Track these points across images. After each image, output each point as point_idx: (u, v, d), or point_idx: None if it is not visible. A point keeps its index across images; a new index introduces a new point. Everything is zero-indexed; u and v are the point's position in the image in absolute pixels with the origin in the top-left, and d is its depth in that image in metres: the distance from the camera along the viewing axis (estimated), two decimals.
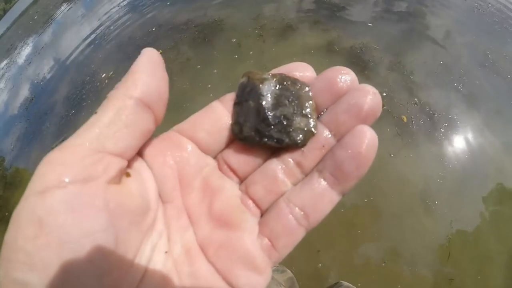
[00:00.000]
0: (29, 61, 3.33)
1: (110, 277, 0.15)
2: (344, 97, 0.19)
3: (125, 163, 0.17)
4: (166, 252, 0.18)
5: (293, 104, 0.20)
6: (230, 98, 0.21)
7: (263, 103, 0.20)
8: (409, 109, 1.67)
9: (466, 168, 1.52)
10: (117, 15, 3.02)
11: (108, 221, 0.15)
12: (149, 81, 0.18)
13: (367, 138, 0.18)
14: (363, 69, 1.81)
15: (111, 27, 2.90)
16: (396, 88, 1.73)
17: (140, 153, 0.19)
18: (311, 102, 0.20)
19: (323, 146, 0.19)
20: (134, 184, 0.18)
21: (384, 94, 1.70)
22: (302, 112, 0.19)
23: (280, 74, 0.20)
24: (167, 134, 0.21)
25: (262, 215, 0.20)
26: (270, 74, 0.21)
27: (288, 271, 1.17)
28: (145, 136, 0.18)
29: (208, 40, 2.23)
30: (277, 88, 0.20)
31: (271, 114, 0.20)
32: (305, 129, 0.19)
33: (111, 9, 3.14)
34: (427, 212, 1.44)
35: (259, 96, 0.20)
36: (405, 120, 1.64)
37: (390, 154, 1.56)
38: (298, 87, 0.20)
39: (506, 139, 1.60)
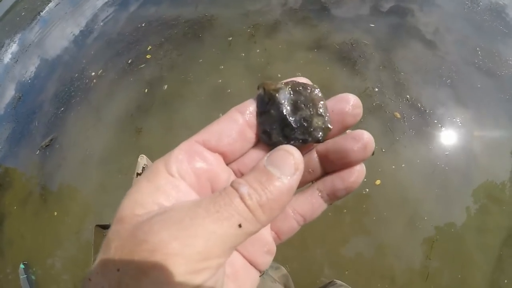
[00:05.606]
0: (16, 59, 3.25)
1: None
2: (340, 142, 0.23)
3: None
4: None
5: (308, 106, 0.23)
6: (249, 109, 0.23)
7: (284, 111, 0.22)
8: (400, 106, 1.67)
9: (455, 166, 1.53)
10: (105, 11, 2.96)
11: None
12: None
13: (360, 176, 0.23)
14: (354, 64, 1.81)
15: (100, 23, 2.85)
16: (387, 84, 1.74)
17: (180, 173, 0.20)
18: (322, 102, 0.23)
19: (312, 170, 0.25)
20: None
21: (376, 89, 1.70)
22: (317, 112, 0.23)
23: (292, 81, 0.23)
24: (192, 146, 0.22)
25: None
26: (283, 83, 0.23)
27: (283, 268, 1.18)
28: None
29: (198, 36, 2.20)
30: (291, 95, 0.23)
31: (292, 119, 0.23)
32: (323, 126, 0.23)
33: (99, 5, 3.08)
34: (414, 211, 1.45)
35: (278, 105, 0.22)
36: (398, 116, 1.64)
37: (382, 149, 1.56)
38: (309, 90, 0.23)
39: (494, 136, 1.62)
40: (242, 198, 0.18)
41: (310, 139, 0.23)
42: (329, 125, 0.23)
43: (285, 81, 0.23)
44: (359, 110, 0.23)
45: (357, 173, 0.23)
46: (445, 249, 1.38)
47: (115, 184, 1.85)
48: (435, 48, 1.92)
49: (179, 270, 0.16)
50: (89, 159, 2.07)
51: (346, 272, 1.37)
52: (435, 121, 1.65)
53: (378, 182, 1.49)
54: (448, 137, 1.61)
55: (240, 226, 0.18)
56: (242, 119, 0.22)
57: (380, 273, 1.36)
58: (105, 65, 2.41)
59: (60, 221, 2.00)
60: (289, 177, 0.19)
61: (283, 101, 0.22)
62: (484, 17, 2.12)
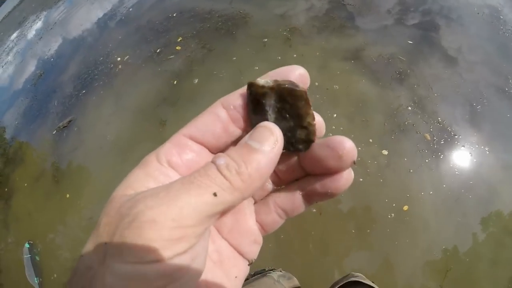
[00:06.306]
0: (40, 36, 3.24)
1: None
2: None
3: None
4: None
5: (293, 117, 0.22)
6: (233, 104, 0.23)
7: (268, 118, 0.23)
8: (431, 128, 1.65)
9: (478, 196, 1.50)
10: None
11: None
12: None
13: (345, 184, 0.23)
14: (389, 80, 1.78)
15: (130, 9, 2.82)
16: (421, 104, 1.71)
17: (170, 163, 0.22)
18: (308, 112, 0.22)
19: (293, 171, 0.25)
20: None
21: (409, 108, 1.67)
22: (301, 124, 0.22)
23: (278, 85, 0.22)
24: (181, 140, 0.23)
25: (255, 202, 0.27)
26: (270, 83, 0.22)
27: (295, 278, 1.16)
28: None
29: (232, 33, 2.17)
30: (277, 102, 0.22)
31: None
32: (305, 139, 0.23)
33: None
34: (433, 238, 1.43)
35: (264, 111, 0.22)
36: (428, 138, 1.62)
37: (410, 170, 1.54)
38: (295, 98, 0.22)
39: None
40: (219, 169, 0.19)
41: (292, 149, 0.23)
42: (313, 138, 0.23)
43: (272, 74, 0.23)
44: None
45: (343, 181, 0.23)
46: (457, 278, 1.36)
47: None
48: (469, 72, 1.89)
49: (154, 236, 0.17)
50: (108, 145, 2.05)
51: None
52: (463, 147, 1.62)
53: (405, 208, 1.46)
54: (475, 165, 1.58)
55: (215, 194, 0.18)
56: (225, 115, 0.23)
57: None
58: (133, 52, 2.39)
59: (71, 204, 1.98)
60: (268, 149, 0.20)
61: (268, 108, 0.22)
62: None
